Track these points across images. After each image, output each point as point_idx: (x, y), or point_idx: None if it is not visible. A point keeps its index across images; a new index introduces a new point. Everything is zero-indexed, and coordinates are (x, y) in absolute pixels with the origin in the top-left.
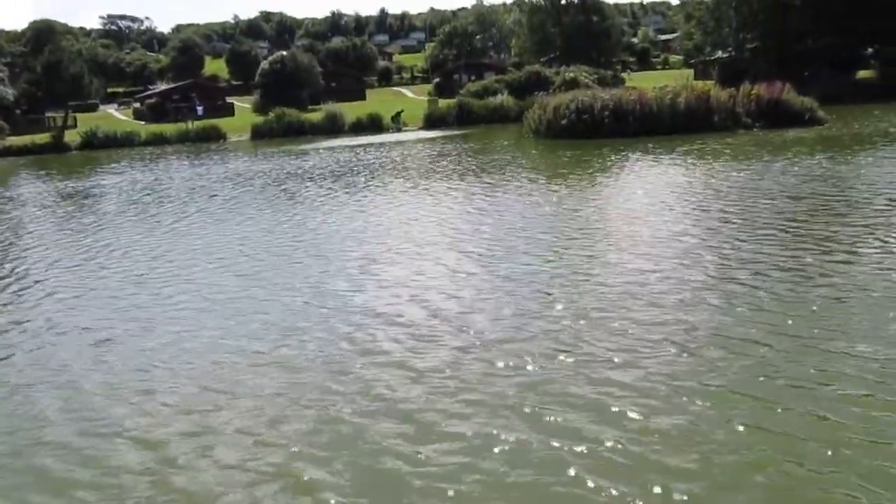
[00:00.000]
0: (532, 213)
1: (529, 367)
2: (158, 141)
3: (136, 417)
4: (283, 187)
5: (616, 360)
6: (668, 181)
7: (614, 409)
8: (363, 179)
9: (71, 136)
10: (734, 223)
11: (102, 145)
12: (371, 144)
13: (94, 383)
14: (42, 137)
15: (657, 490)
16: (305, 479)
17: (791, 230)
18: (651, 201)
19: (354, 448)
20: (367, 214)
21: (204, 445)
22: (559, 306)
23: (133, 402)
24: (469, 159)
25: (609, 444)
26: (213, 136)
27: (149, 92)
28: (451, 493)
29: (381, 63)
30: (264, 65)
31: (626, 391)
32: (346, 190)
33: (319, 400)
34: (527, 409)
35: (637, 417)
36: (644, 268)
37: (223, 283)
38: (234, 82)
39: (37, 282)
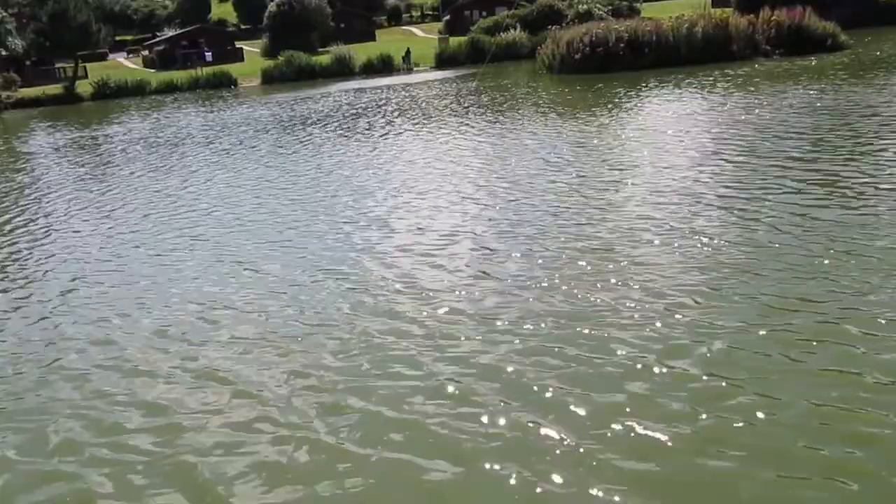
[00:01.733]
0: (537, 152)
1: (535, 295)
2: (169, 89)
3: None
4: (300, 132)
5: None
6: (672, 115)
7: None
8: (374, 122)
9: (83, 87)
10: (736, 159)
11: (114, 95)
12: (381, 86)
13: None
14: (54, 88)
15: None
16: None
17: (795, 166)
18: (651, 139)
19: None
20: (380, 154)
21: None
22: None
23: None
24: (479, 99)
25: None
26: (223, 83)
27: (157, 39)
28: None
29: (390, 1)
30: (272, 7)
31: (631, 320)
32: (358, 133)
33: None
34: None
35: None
36: (643, 212)
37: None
38: (243, 26)
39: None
